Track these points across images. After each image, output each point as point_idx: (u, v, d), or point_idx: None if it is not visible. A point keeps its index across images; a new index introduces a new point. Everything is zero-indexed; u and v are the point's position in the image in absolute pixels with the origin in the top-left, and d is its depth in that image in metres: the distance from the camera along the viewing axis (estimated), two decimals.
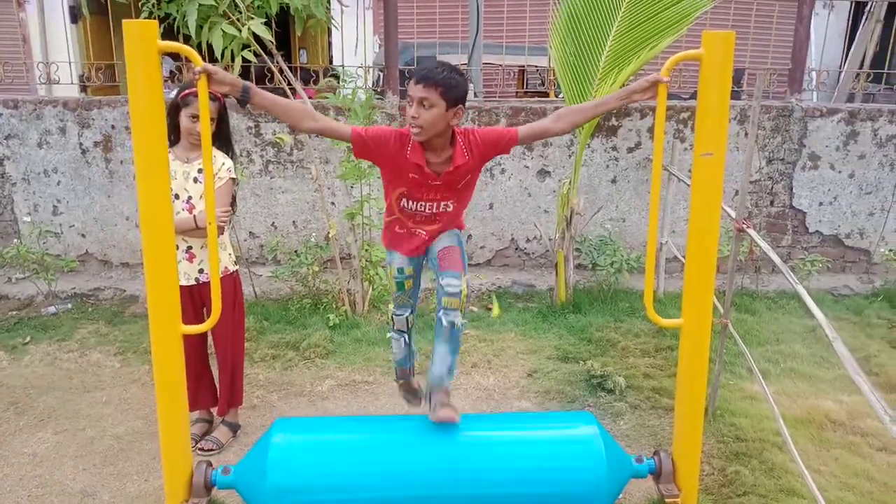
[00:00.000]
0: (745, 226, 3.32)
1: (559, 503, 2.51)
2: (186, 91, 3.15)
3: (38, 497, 3.11)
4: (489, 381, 4.20)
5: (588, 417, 2.70)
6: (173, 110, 3.19)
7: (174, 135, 3.24)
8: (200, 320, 3.37)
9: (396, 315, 3.01)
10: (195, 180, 3.25)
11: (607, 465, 2.48)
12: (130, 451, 3.47)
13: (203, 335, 3.57)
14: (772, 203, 5.96)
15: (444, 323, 2.67)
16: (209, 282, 2.90)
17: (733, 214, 3.42)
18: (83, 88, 6.53)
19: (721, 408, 3.76)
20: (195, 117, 3.10)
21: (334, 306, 5.01)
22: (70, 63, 5.91)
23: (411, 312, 3.02)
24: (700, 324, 2.53)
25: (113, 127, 5.58)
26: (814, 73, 6.37)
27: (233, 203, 3.44)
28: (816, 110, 5.78)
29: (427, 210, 2.69)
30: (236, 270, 3.53)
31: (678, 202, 5.81)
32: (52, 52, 8.47)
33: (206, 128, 2.28)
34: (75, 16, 8.74)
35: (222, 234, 3.34)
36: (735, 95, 5.84)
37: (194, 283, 3.34)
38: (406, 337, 3.06)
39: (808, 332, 4.86)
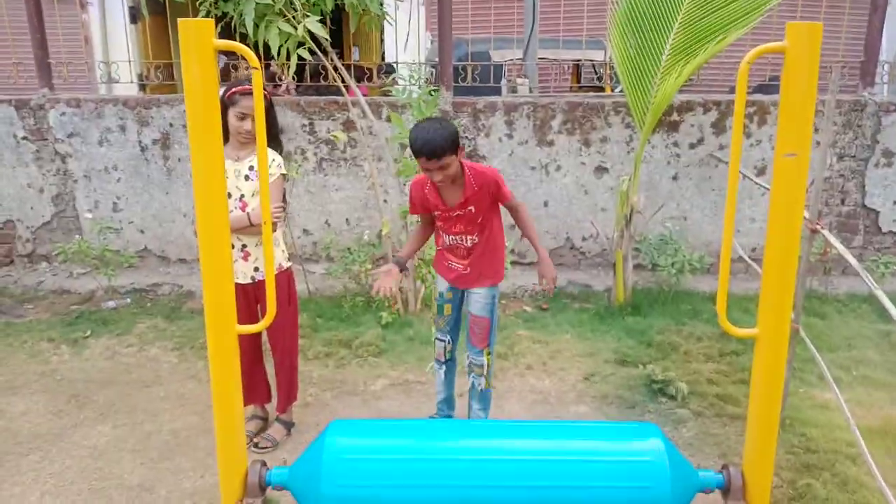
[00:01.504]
0: (819, 226, 3.14)
1: None
2: (234, 89, 3.15)
3: (98, 490, 3.15)
4: (545, 383, 4.09)
5: (652, 430, 2.58)
6: (221, 109, 3.18)
7: (223, 133, 3.23)
8: (255, 318, 3.36)
9: (438, 339, 3.43)
10: (246, 178, 3.24)
11: (671, 482, 2.36)
12: (186, 446, 3.49)
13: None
14: (843, 202, 5.69)
15: (473, 384, 3.34)
16: (264, 279, 2.88)
17: (807, 215, 3.24)
18: (142, 87, 6.64)
19: (791, 417, 3.58)
20: (243, 115, 3.11)
21: (387, 305, 4.97)
22: (129, 62, 6.00)
23: (451, 342, 3.42)
24: (777, 335, 2.37)
25: (171, 125, 5.65)
26: (886, 66, 6.05)
27: (284, 199, 3.43)
28: (891, 105, 5.49)
29: (458, 243, 3.16)
30: (290, 267, 3.51)
31: (742, 200, 5.60)
32: (112, 51, 8.69)
33: (261, 126, 2.24)
34: (135, 16, 8.95)
35: (275, 230, 3.33)
36: None
37: (250, 281, 3.34)
38: (445, 371, 3.46)
39: (883, 338, 4.61)
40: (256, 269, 3.33)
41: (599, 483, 2.39)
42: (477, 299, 3.22)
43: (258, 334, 3.57)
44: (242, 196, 3.24)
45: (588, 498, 2.37)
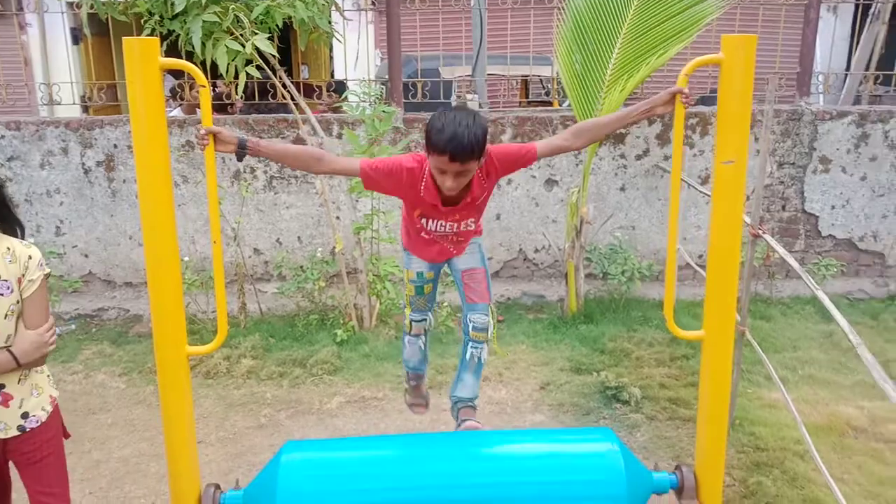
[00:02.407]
0: (760, 231, 3.24)
1: None
2: None
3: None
4: (501, 394, 4.12)
5: (607, 434, 2.61)
6: None
7: None
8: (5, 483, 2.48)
9: (415, 321, 2.90)
10: None
11: (627, 483, 2.39)
12: (137, 473, 3.40)
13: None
14: (783, 208, 5.88)
15: (471, 355, 2.70)
16: (37, 426, 2.32)
17: (748, 220, 3.35)
18: (85, 109, 6.50)
19: (740, 417, 3.67)
20: None
21: (341, 322, 4.94)
22: (72, 83, 5.88)
23: (430, 319, 2.94)
24: (723, 337, 2.44)
25: (115, 146, 5.55)
26: (821, 77, 6.30)
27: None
28: (826, 113, 5.71)
29: (449, 229, 2.58)
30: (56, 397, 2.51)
31: (688, 209, 5.74)
32: (54, 73, 8.47)
33: (210, 162, 2.14)
34: (77, 37, 8.75)
35: (32, 366, 2.34)
36: None
37: (14, 434, 2.32)
38: (422, 341, 2.97)
39: (825, 338, 4.77)
40: (25, 416, 2.32)
41: (556, 482, 2.41)
42: (463, 256, 2.71)
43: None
44: None
45: (544, 501, 2.38)
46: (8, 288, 2.22)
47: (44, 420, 2.37)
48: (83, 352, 4.79)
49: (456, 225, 2.58)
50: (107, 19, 5.65)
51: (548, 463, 2.50)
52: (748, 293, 3.43)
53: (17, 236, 2.33)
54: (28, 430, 2.34)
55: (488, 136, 2.28)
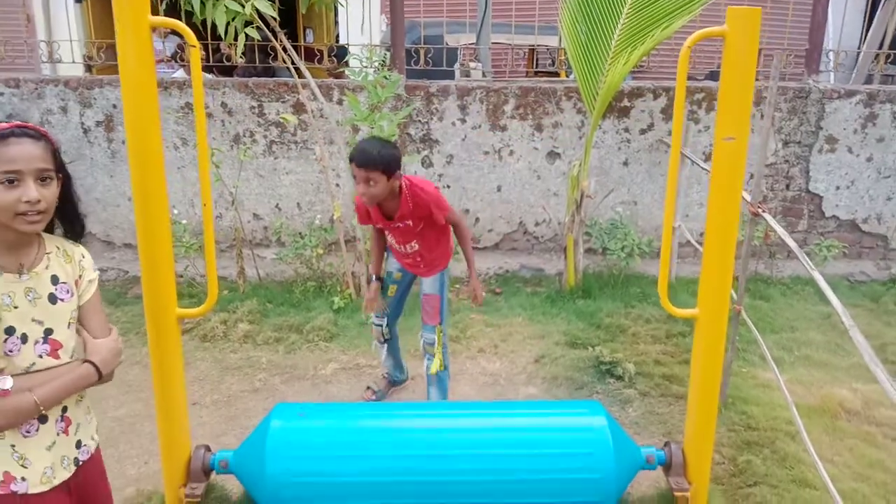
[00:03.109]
0: (760, 209, 3.21)
1: (566, 494, 2.43)
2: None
3: None
4: (495, 366, 4.12)
5: (596, 406, 2.61)
6: None
7: None
8: None
9: (375, 324, 3.55)
10: (53, 299, 1.81)
11: (615, 457, 2.39)
12: (131, 433, 3.42)
13: None
14: (788, 187, 5.83)
15: (428, 366, 3.36)
16: (87, 460, 1.92)
17: (748, 198, 3.31)
18: (88, 68, 6.44)
19: (733, 396, 3.67)
20: (14, 179, 1.66)
21: (339, 289, 4.94)
22: (71, 42, 5.81)
23: (387, 326, 3.54)
24: (716, 316, 2.43)
25: (115, 106, 5.50)
26: (831, 54, 6.20)
27: None
28: (834, 92, 5.63)
29: (403, 249, 3.29)
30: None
31: (691, 185, 5.69)
32: (56, 31, 8.39)
33: (200, 116, 2.12)
34: None
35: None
36: None
37: (73, 472, 1.87)
38: (387, 346, 3.62)
39: (824, 319, 4.76)
40: (78, 446, 1.90)
41: (544, 455, 2.42)
42: (427, 281, 3.34)
43: None
44: (50, 333, 1.79)
45: (534, 470, 2.39)
46: (68, 291, 1.87)
47: (92, 452, 1.97)
48: None
49: (406, 246, 3.26)
50: None
51: (535, 435, 2.51)
52: (745, 272, 3.41)
53: (77, 239, 1.99)
54: (80, 463, 1.91)
55: (397, 160, 2.97)
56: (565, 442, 2.48)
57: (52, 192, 1.72)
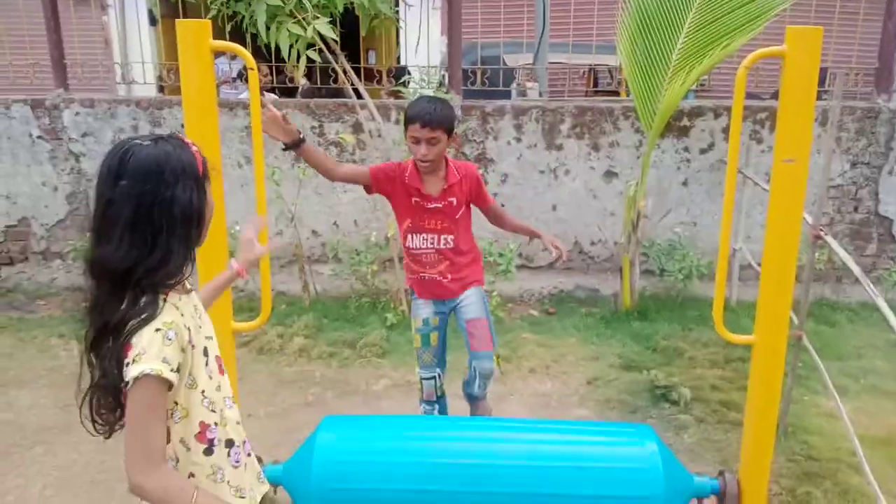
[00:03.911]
0: (822, 232, 3.11)
1: None
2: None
3: (100, 482, 3.19)
4: (547, 387, 4.09)
5: (647, 431, 2.57)
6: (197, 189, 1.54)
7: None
8: None
9: (425, 379, 3.02)
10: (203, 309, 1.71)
11: (665, 483, 2.34)
12: None
13: None
14: (856, 209, 5.62)
15: (478, 393, 3.05)
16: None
17: (810, 220, 3.22)
18: (160, 89, 6.71)
19: (793, 425, 3.55)
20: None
21: (392, 306, 4.99)
22: (143, 64, 6.08)
23: (440, 374, 3.06)
24: (774, 341, 2.37)
25: (182, 126, 5.70)
26: None
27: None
28: None
29: (430, 245, 2.88)
30: None
31: (753, 206, 5.55)
32: (131, 53, 8.79)
33: (258, 133, 2.22)
34: (154, 18, 9.05)
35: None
36: (817, 96, 5.53)
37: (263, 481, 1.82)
38: (436, 410, 3.07)
39: (892, 347, 4.56)
40: (260, 478, 1.81)
41: (591, 480, 2.38)
42: (467, 304, 2.94)
43: None
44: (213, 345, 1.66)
45: (578, 493, 2.36)
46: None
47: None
48: None
49: (436, 238, 2.86)
50: (178, 1, 5.83)
51: (583, 455, 2.48)
52: (807, 297, 3.30)
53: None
54: (262, 479, 1.82)
55: (455, 118, 2.79)
56: (614, 464, 2.44)
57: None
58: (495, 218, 3.13)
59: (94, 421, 1.53)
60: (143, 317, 1.42)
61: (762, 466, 2.46)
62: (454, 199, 2.85)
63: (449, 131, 2.74)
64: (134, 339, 1.40)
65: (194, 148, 1.53)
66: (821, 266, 4.96)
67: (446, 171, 2.84)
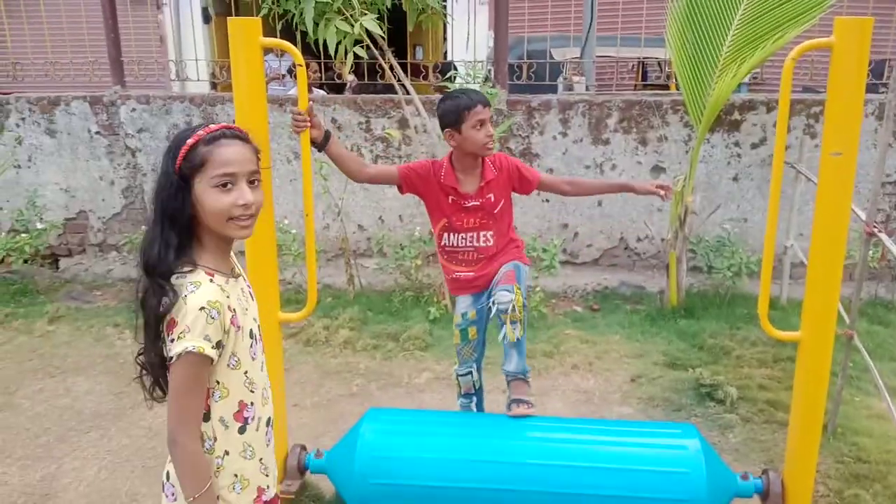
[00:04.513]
0: (875, 229, 3.03)
1: None
2: (208, 131, 1.58)
3: (150, 468, 3.30)
4: (589, 383, 4.07)
5: (690, 429, 2.55)
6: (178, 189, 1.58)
7: (188, 232, 1.59)
8: None
9: (461, 375, 2.97)
10: (251, 294, 1.79)
11: (708, 481, 2.33)
12: None
13: None
14: None
15: (506, 335, 2.69)
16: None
17: (863, 216, 3.13)
18: (213, 85, 6.87)
19: (843, 425, 3.46)
20: (227, 185, 1.56)
21: (435, 300, 5.03)
22: (196, 61, 6.23)
23: (477, 370, 2.98)
24: (821, 339, 2.32)
25: (234, 121, 5.83)
26: None
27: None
28: None
29: (469, 244, 2.78)
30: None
31: (806, 202, 5.41)
32: (185, 51, 9.02)
33: (305, 140, 2.25)
34: (208, 16, 9.27)
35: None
36: (873, 89, 5.37)
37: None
38: (473, 404, 3.02)
39: None
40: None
41: (634, 476, 2.38)
42: (501, 273, 2.78)
43: None
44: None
45: (620, 491, 2.36)
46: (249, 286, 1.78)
47: None
48: None
49: (475, 236, 2.77)
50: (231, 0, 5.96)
51: (626, 453, 2.47)
52: (859, 295, 3.22)
53: None
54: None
55: None
56: (657, 462, 2.43)
57: (260, 195, 1.60)
58: (571, 188, 2.95)
59: (150, 390, 1.63)
60: (166, 301, 1.48)
61: (807, 466, 2.42)
62: (492, 195, 2.75)
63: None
64: (179, 317, 1.48)
65: (191, 140, 1.55)
66: (874, 264, 4.81)
67: (482, 168, 2.76)
